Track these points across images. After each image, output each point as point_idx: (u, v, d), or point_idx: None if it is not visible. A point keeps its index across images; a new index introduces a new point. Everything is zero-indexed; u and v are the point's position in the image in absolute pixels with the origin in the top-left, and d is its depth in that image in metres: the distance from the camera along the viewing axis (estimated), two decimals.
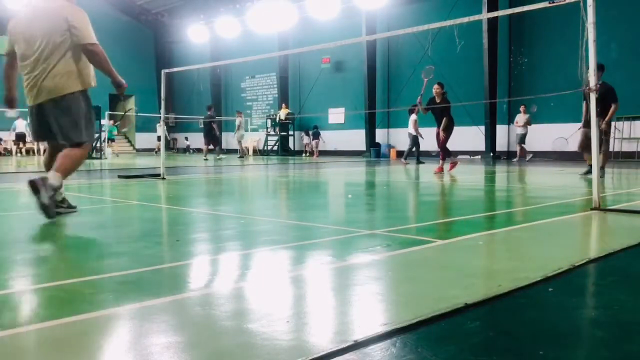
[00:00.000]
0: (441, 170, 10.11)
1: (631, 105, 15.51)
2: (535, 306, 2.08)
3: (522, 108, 16.94)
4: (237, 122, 19.89)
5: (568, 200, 5.98)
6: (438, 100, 10.12)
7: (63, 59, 4.10)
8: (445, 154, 10.35)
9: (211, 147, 19.05)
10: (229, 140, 28.19)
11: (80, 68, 4.19)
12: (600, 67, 8.51)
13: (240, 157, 19.38)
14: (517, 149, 17.18)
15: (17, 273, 2.65)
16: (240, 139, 19.85)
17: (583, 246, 3.52)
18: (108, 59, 4.26)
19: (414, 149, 15.62)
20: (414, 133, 15.41)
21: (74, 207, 4.46)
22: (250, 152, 24.63)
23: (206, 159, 17.91)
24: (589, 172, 8.82)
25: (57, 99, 4.12)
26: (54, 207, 4.02)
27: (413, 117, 15.36)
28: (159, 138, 25.62)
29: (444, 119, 10.06)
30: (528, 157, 16.83)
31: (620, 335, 1.76)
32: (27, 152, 23.74)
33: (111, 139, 23.55)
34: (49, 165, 4.35)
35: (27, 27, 4.15)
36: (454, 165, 10.33)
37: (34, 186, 3.86)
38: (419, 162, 15.22)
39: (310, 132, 23.62)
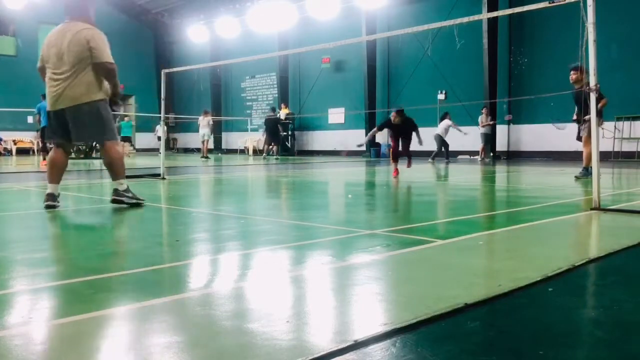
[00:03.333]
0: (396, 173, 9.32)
1: (631, 105, 15.51)
2: (535, 306, 2.08)
3: (484, 110, 16.96)
4: (199, 122, 20.15)
5: (568, 200, 5.98)
6: (398, 123, 9.42)
7: (85, 73, 4.82)
8: (396, 158, 9.77)
9: (272, 147, 19.80)
10: (228, 140, 28.21)
11: (101, 79, 4.94)
12: (581, 69, 8.53)
13: (204, 157, 19.23)
14: (480, 149, 17.18)
15: (17, 273, 2.65)
16: (207, 138, 19.88)
17: (583, 246, 3.52)
18: (116, 76, 5.04)
19: (442, 149, 16.40)
20: (440, 134, 16.29)
21: (143, 199, 5.21)
22: (250, 152, 24.62)
23: (277, 158, 18.76)
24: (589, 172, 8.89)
25: (78, 105, 4.80)
26: (133, 199, 5.07)
27: (447, 122, 16.29)
28: (159, 138, 25.58)
29: (410, 134, 9.56)
30: (480, 158, 16.88)
31: (620, 335, 1.76)
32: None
33: (126, 137, 23.06)
34: (55, 166, 4.98)
35: (57, 45, 4.82)
36: (396, 172, 9.40)
37: (119, 202, 4.97)
38: (447, 161, 15.95)
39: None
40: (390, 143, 10.47)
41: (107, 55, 4.94)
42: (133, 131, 23.71)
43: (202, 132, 19.75)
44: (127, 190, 5.09)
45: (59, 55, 4.82)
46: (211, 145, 20.50)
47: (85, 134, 4.99)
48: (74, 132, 4.92)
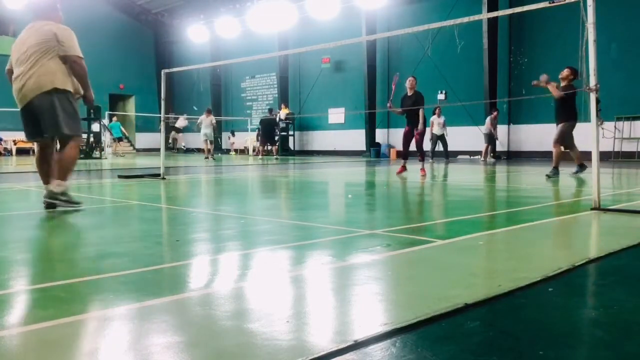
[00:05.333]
0: (424, 172, 9.59)
1: (631, 105, 15.51)
2: (535, 306, 2.08)
3: (495, 113, 16.85)
4: (199, 121, 19.70)
5: (568, 200, 5.98)
6: (410, 94, 9.77)
7: (49, 62, 4.66)
8: (423, 154, 10.08)
9: (268, 147, 19.91)
10: (228, 140, 28.22)
11: (67, 72, 4.76)
12: (574, 72, 8.57)
13: (207, 157, 18.60)
14: (485, 149, 17.13)
15: (17, 273, 2.65)
16: (210, 138, 19.36)
17: (583, 246, 3.52)
18: (87, 74, 4.87)
19: (442, 149, 16.55)
20: (437, 133, 16.24)
21: (79, 203, 4.84)
22: (250, 151, 24.61)
23: (277, 158, 18.76)
24: (581, 169, 8.90)
25: (43, 94, 4.63)
26: (68, 203, 4.73)
27: (433, 117, 16.30)
28: (177, 130, 25.64)
29: (419, 116, 9.70)
30: (483, 159, 16.83)
31: (620, 335, 1.76)
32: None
33: (118, 138, 23.12)
34: (42, 165, 4.88)
35: (22, 43, 4.76)
36: (402, 169, 9.79)
37: (52, 205, 4.64)
38: (447, 161, 16.04)
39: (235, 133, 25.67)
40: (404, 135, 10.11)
41: (75, 49, 4.79)
42: (123, 131, 23.66)
43: (204, 132, 19.20)
44: (63, 193, 4.71)
45: (24, 51, 4.70)
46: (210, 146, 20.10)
47: (51, 123, 4.67)
48: (42, 123, 4.70)
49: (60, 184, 4.69)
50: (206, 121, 19.45)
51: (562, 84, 8.83)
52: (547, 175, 8.72)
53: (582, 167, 8.88)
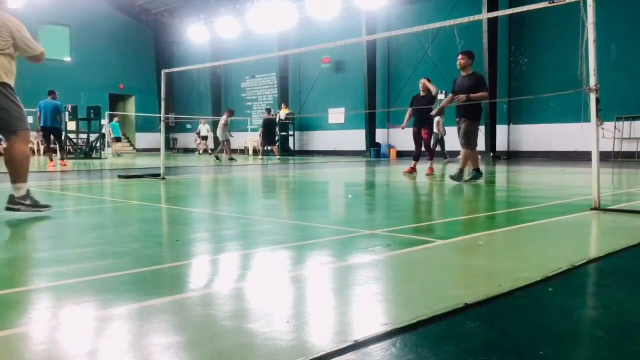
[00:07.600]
0: (432, 171, 9.59)
1: (631, 105, 15.51)
2: (535, 306, 2.08)
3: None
4: (223, 121, 18.51)
5: (568, 200, 5.97)
6: (423, 94, 9.75)
7: None
8: (433, 154, 10.19)
9: (268, 147, 19.85)
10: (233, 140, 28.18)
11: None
12: (470, 55, 7.74)
13: (230, 158, 17.79)
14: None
15: (16, 272, 2.65)
16: (224, 138, 18.32)
17: (583, 246, 3.51)
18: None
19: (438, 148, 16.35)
20: (435, 132, 16.19)
21: (46, 206, 4.44)
22: (250, 151, 24.59)
23: (279, 158, 18.66)
24: (478, 175, 7.87)
25: None
26: (33, 208, 4.34)
27: (436, 117, 15.98)
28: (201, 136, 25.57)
29: (430, 119, 9.84)
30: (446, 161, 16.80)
31: (620, 335, 1.76)
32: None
33: (117, 138, 23.21)
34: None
35: None
36: (411, 170, 9.76)
37: (13, 209, 4.26)
38: (447, 161, 15.85)
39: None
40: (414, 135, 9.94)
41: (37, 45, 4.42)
42: (121, 131, 23.64)
43: (220, 133, 18.08)
44: (26, 196, 4.29)
45: None
46: (211, 145, 19.81)
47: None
48: None
49: (19, 187, 4.22)
50: (223, 121, 18.41)
51: (463, 73, 7.81)
52: (468, 179, 7.75)
53: (478, 173, 7.88)
